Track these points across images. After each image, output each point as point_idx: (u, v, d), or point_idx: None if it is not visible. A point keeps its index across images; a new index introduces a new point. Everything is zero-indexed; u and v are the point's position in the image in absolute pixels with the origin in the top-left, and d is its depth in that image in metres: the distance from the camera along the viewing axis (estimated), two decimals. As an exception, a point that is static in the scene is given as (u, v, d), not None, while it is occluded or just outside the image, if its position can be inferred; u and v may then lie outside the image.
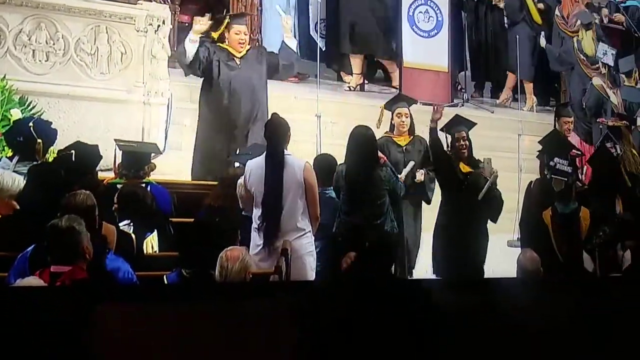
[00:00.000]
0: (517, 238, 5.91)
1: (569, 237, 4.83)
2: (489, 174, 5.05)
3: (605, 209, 5.06)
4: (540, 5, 8.62)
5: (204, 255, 3.34)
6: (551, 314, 2.14)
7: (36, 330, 1.87)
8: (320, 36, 7.91)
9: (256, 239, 4.10)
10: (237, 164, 4.88)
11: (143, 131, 5.92)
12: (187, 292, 2.35)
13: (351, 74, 8.04)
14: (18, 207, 3.73)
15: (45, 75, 5.77)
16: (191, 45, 5.37)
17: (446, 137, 5.27)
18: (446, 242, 5.09)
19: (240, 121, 5.45)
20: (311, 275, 4.09)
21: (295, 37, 6.41)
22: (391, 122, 5.49)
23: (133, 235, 3.82)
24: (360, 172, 4.67)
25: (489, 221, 5.16)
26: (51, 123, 4.77)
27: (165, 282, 3.33)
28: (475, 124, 5.47)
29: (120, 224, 3.91)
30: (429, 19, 8.10)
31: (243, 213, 4.31)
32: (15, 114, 5.19)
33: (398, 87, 7.89)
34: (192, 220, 4.19)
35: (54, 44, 5.81)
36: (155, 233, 4.05)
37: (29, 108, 5.47)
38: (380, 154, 4.81)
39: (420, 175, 5.28)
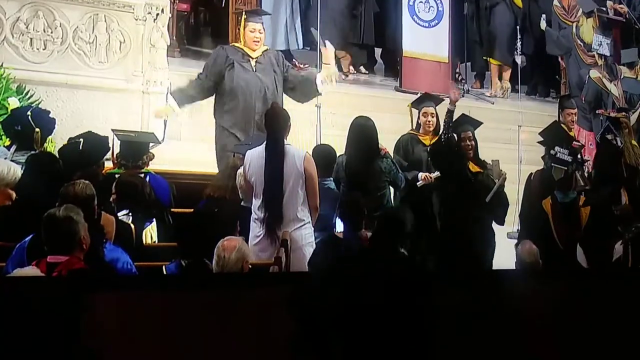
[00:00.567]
0: (517, 230, 5.90)
1: (568, 226, 4.83)
2: (497, 175, 5.00)
3: (610, 200, 5.07)
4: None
5: (202, 246, 3.32)
6: (549, 305, 2.14)
7: (33, 321, 1.86)
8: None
9: (255, 230, 4.08)
10: (236, 155, 4.85)
11: (142, 120, 5.89)
12: (185, 282, 2.35)
13: (351, 64, 8.01)
14: (15, 196, 3.71)
15: (43, 64, 5.73)
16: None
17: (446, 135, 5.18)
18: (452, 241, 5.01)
19: (252, 124, 5.22)
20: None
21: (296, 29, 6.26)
22: (417, 121, 5.45)
23: (132, 226, 3.80)
24: (361, 163, 4.64)
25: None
26: (49, 112, 4.74)
27: (165, 272, 3.32)
28: (482, 123, 5.42)
29: (119, 214, 3.89)
30: (429, 8, 8.06)
31: (242, 204, 4.30)
32: (13, 102, 5.15)
33: (399, 76, 7.87)
34: (191, 210, 4.17)
35: (51, 32, 5.76)
36: (154, 223, 4.03)
37: (27, 97, 5.43)
38: (381, 145, 4.78)
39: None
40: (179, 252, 3.40)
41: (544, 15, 8.37)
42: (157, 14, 6.00)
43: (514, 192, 5.91)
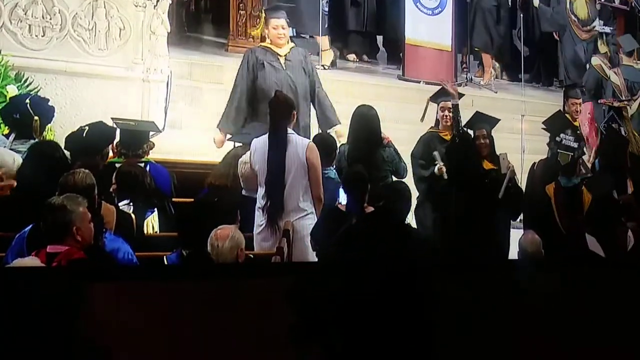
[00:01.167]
0: (520, 220, 5.88)
1: (571, 211, 4.81)
2: (505, 168, 4.95)
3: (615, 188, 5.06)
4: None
5: (203, 236, 3.29)
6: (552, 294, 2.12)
7: (33, 312, 1.83)
8: (324, 13, 7.79)
9: (259, 218, 4.05)
10: (237, 144, 4.81)
11: (142, 109, 5.84)
12: (186, 272, 2.33)
13: (354, 52, 7.94)
14: (15, 185, 3.68)
15: (42, 51, 5.67)
16: None
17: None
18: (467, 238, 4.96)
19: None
20: (313, 257, 4.05)
21: None
22: (436, 117, 5.38)
23: (133, 216, 3.77)
24: (363, 152, 4.61)
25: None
26: (48, 100, 4.69)
27: (166, 263, 3.29)
28: (499, 120, 5.34)
29: (120, 204, 3.86)
30: (433, -5, 7.99)
31: (243, 193, 4.27)
32: (12, 90, 5.10)
33: (401, 64, 7.80)
34: (192, 200, 4.14)
35: (50, 19, 5.70)
36: (155, 213, 4.00)
37: (26, 85, 5.38)
38: (384, 133, 4.74)
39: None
40: (179, 242, 3.38)
41: None
42: (157, 1, 5.94)
43: (517, 181, 5.88)
